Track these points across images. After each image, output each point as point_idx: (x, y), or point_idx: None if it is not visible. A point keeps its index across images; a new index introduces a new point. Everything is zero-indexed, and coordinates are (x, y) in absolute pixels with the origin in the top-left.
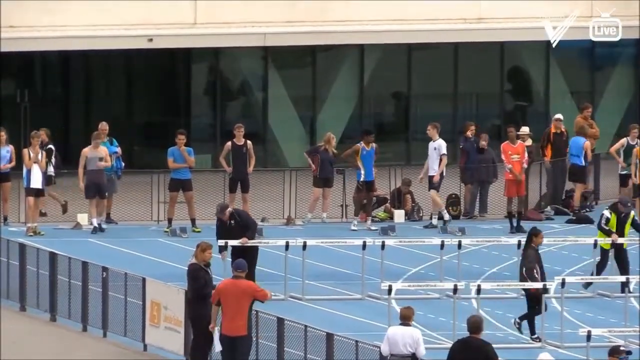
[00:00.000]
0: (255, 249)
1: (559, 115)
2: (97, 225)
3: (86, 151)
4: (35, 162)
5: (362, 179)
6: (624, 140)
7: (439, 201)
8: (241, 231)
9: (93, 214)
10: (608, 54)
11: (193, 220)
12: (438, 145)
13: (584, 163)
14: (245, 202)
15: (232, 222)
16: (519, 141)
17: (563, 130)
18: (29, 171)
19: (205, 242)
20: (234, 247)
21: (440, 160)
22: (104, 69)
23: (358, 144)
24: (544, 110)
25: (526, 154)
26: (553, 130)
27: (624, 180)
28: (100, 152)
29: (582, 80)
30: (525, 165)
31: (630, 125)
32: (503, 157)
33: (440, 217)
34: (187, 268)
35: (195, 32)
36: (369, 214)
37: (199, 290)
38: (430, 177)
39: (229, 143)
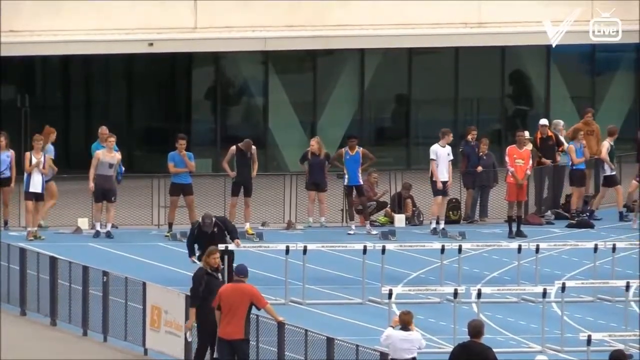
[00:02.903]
0: (233, 252)
1: (543, 121)
2: (108, 231)
3: (99, 154)
4: (36, 167)
5: (346, 183)
6: (607, 144)
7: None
8: (223, 236)
9: (98, 218)
10: (608, 59)
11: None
12: (450, 151)
13: (583, 167)
14: (247, 207)
15: (216, 229)
16: (525, 147)
17: (550, 134)
18: (29, 175)
19: (211, 247)
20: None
21: (448, 165)
22: (105, 73)
23: (342, 149)
24: (544, 115)
25: (531, 161)
26: (539, 136)
27: (608, 181)
28: (113, 157)
29: (583, 85)
30: (528, 172)
31: (613, 128)
32: (507, 159)
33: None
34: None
35: (196, 37)
36: (367, 218)
37: (195, 293)
38: (445, 183)
39: (234, 147)
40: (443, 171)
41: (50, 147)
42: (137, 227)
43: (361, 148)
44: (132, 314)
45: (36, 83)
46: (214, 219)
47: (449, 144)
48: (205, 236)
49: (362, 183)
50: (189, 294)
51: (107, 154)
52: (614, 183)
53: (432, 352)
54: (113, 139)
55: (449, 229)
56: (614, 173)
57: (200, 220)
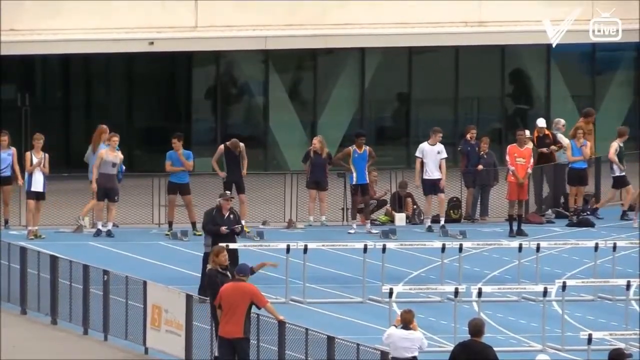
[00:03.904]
0: (236, 251)
1: (539, 121)
2: (109, 230)
3: (103, 153)
4: (37, 166)
5: (354, 182)
6: (616, 145)
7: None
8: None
9: (99, 216)
10: (609, 58)
11: (194, 224)
12: (442, 149)
13: (583, 166)
14: (243, 203)
15: (232, 216)
16: (526, 146)
17: (547, 133)
18: (30, 174)
19: (218, 246)
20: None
21: (440, 164)
22: (105, 72)
23: (349, 147)
24: (545, 113)
25: (532, 159)
26: (536, 135)
27: (618, 182)
28: (116, 157)
29: (583, 85)
30: (529, 171)
31: (623, 129)
32: (507, 158)
33: (435, 221)
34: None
35: (196, 36)
36: (368, 217)
37: (213, 293)
38: (438, 181)
39: (222, 146)
40: (432, 169)
41: (103, 147)
42: (137, 226)
43: (368, 146)
44: (133, 313)
45: (36, 82)
46: (230, 204)
47: (441, 143)
48: (222, 220)
49: (368, 182)
50: (189, 293)
51: (110, 153)
52: (624, 184)
53: (433, 351)
54: (117, 139)
55: (449, 227)
56: (623, 174)
57: (219, 199)
